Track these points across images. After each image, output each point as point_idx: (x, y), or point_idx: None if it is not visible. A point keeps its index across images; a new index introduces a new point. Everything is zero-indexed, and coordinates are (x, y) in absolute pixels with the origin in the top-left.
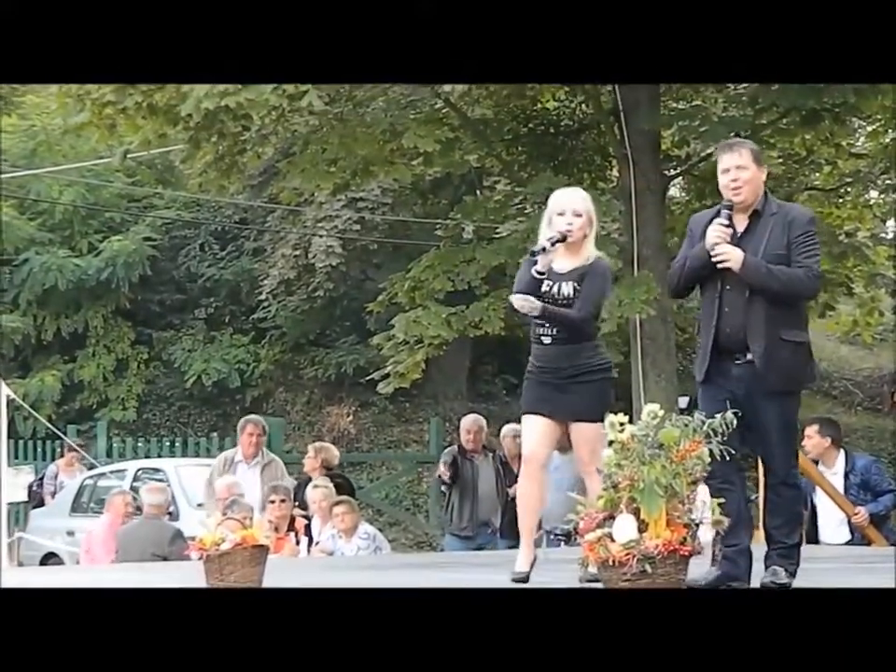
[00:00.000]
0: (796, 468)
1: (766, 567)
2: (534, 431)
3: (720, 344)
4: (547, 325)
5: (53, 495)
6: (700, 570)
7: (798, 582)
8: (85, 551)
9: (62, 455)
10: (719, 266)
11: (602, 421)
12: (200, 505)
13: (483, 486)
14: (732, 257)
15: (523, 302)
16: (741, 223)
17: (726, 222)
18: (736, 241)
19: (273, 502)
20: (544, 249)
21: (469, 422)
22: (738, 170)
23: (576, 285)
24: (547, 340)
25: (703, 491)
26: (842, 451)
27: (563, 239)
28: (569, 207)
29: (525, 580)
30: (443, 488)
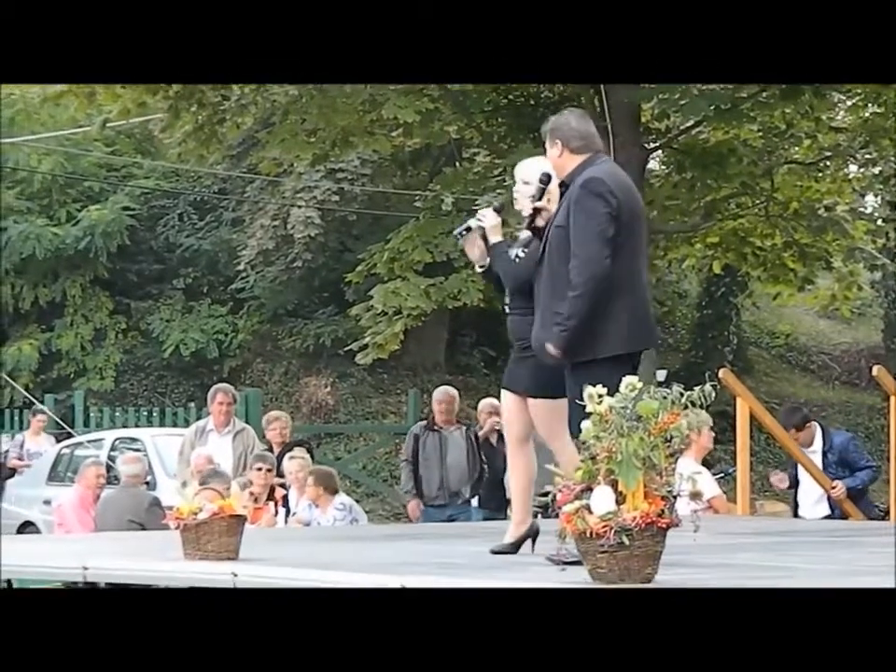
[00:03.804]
0: None
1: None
2: (504, 408)
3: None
4: (507, 296)
5: (20, 460)
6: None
7: (779, 557)
8: (58, 524)
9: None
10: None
11: (552, 398)
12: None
13: (453, 457)
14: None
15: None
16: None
17: (536, 194)
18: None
19: (259, 470)
20: (467, 230)
21: (440, 394)
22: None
23: None
24: (507, 309)
25: (681, 464)
26: (819, 429)
27: (499, 209)
28: (518, 177)
29: (504, 552)
30: (403, 464)
